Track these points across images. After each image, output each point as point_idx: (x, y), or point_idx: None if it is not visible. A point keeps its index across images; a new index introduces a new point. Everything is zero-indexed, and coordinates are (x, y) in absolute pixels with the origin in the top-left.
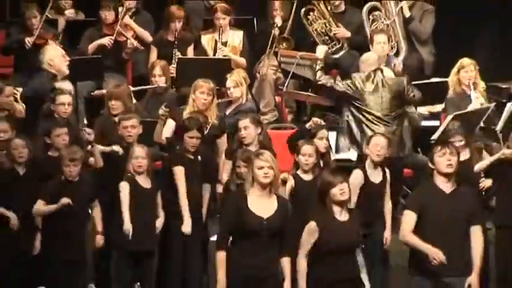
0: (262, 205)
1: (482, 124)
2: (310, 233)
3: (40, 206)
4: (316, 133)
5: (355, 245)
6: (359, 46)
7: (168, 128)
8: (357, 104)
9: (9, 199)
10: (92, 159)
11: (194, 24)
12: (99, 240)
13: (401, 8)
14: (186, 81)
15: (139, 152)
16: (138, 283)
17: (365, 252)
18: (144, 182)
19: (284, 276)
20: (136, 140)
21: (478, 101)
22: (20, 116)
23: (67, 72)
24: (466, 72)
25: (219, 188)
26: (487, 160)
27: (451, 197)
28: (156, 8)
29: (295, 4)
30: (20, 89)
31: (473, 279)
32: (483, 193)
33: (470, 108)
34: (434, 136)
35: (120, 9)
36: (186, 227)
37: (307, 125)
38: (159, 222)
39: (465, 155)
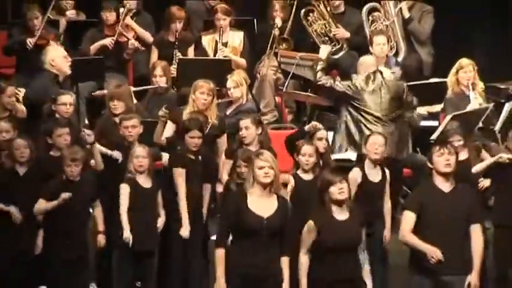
0: (262, 205)
1: (480, 124)
2: (309, 232)
3: (41, 205)
4: (315, 134)
5: (355, 243)
6: (358, 47)
7: (168, 130)
8: (355, 104)
9: (9, 199)
10: (92, 161)
11: (195, 25)
12: (101, 239)
13: (401, 8)
14: (187, 82)
15: (140, 151)
16: (139, 282)
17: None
18: (145, 181)
19: (283, 276)
20: (137, 140)
21: (476, 101)
22: (21, 116)
23: (69, 72)
24: (464, 73)
25: (219, 188)
26: (484, 163)
27: (450, 196)
28: (156, 9)
29: (295, 5)
30: (22, 90)
31: (473, 277)
32: (482, 193)
33: (469, 108)
34: (433, 136)
35: (121, 10)
36: (185, 230)
37: (306, 128)
38: (160, 222)
39: (464, 154)
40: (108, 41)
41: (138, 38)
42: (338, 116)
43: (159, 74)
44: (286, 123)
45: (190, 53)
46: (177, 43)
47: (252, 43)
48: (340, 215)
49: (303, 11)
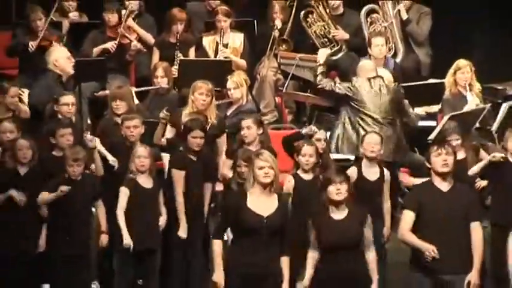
0: (262, 204)
1: (478, 124)
2: (308, 230)
3: (44, 195)
4: (314, 134)
5: (353, 242)
6: (357, 48)
7: (169, 132)
8: (355, 106)
9: (9, 198)
10: (93, 166)
11: (196, 27)
12: (103, 240)
13: (399, 10)
14: (188, 82)
15: (142, 151)
16: (141, 280)
17: None
18: (146, 181)
19: (283, 276)
20: (139, 140)
21: (474, 101)
22: (25, 117)
23: (72, 72)
24: (462, 74)
25: (219, 187)
26: (478, 165)
27: (449, 195)
28: (158, 11)
29: (294, 7)
30: (26, 90)
31: (473, 276)
32: (479, 192)
33: (466, 108)
34: (431, 136)
35: (123, 11)
36: (182, 232)
37: (303, 131)
38: (162, 221)
39: (461, 154)
40: (110, 45)
41: (140, 39)
42: (337, 116)
43: (160, 75)
44: (286, 123)
45: (191, 54)
46: (178, 44)
47: (252, 44)
48: (338, 214)
49: (302, 12)
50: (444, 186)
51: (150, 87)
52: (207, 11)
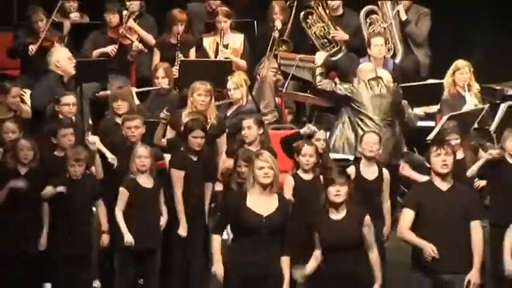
0: (262, 203)
1: (476, 125)
2: (311, 231)
3: (47, 190)
4: (313, 134)
5: (352, 243)
6: (357, 48)
7: (169, 132)
8: (355, 107)
9: (10, 198)
10: (93, 168)
11: (196, 27)
12: (105, 239)
13: (398, 11)
14: (189, 83)
15: (143, 151)
16: (141, 280)
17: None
18: (147, 181)
19: (284, 276)
20: (140, 140)
21: (472, 102)
22: (26, 117)
23: (73, 73)
24: (461, 74)
25: (219, 187)
26: (476, 165)
27: (448, 194)
28: (158, 11)
29: (294, 8)
30: (28, 91)
31: (473, 275)
32: (478, 192)
33: (464, 109)
34: (430, 136)
35: (124, 12)
36: (182, 230)
37: (302, 131)
38: (163, 221)
39: (460, 154)
40: (109, 49)
41: (140, 40)
42: (337, 117)
43: (161, 76)
44: (286, 123)
45: (192, 54)
46: (178, 45)
47: (252, 45)
48: (337, 214)
49: (302, 13)
50: (444, 185)
51: (150, 88)
52: (207, 12)
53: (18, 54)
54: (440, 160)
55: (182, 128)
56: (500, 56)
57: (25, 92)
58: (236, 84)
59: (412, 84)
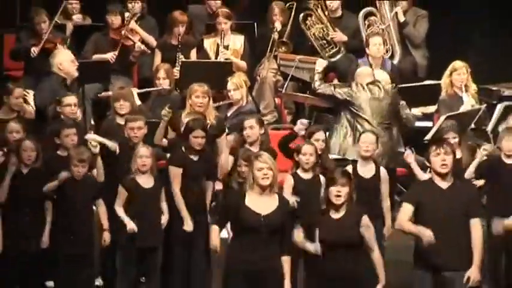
0: (261, 203)
1: (473, 125)
2: (309, 228)
3: (49, 185)
4: (313, 135)
5: (351, 242)
6: (355, 50)
7: (170, 133)
8: (354, 110)
9: (10, 197)
10: (94, 171)
11: (197, 29)
12: (106, 237)
13: (396, 13)
14: (189, 84)
15: (144, 151)
16: (143, 278)
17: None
18: (147, 181)
19: (284, 275)
20: (142, 140)
21: (469, 102)
22: (29, 117)
23: (76, 75)
24: (458, 75)
25: (219, 186)
26: (471, 166)
27: (448, 192)
28: (159, 13)
29: (294, 9)
30: (31, 91)
31: (473, 271)
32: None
33: (462, 109)
34: (427, 136)
35: (126, 14)
36: (188, 226)
37: (296, 128)
38: (164, 219)
39: (458, 154)
40: (109, 56)
41: (142, 41)
42: (336, 119)
43: (162, 77)
44: (286, 123)
45: (193, 55)
46: (179, 46)
47: (252, 46)
48: (336, 213)
49: (301, 15)
50: (444, 183)
51: (152, 89)
52: (208, 14)
53: (21, 56)
54: (440, 160)
55: (183, 128)
56: (500, 57)
57: (28, 93)
58: (236, 85)
59: (410, 84)
